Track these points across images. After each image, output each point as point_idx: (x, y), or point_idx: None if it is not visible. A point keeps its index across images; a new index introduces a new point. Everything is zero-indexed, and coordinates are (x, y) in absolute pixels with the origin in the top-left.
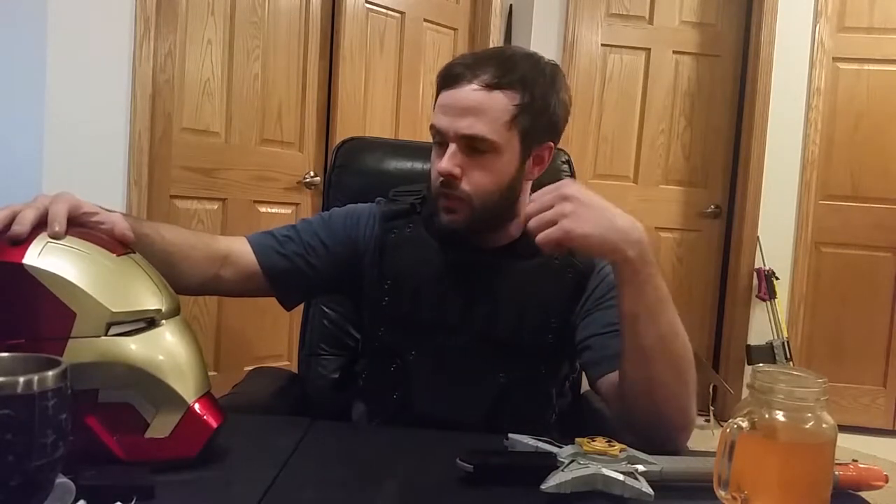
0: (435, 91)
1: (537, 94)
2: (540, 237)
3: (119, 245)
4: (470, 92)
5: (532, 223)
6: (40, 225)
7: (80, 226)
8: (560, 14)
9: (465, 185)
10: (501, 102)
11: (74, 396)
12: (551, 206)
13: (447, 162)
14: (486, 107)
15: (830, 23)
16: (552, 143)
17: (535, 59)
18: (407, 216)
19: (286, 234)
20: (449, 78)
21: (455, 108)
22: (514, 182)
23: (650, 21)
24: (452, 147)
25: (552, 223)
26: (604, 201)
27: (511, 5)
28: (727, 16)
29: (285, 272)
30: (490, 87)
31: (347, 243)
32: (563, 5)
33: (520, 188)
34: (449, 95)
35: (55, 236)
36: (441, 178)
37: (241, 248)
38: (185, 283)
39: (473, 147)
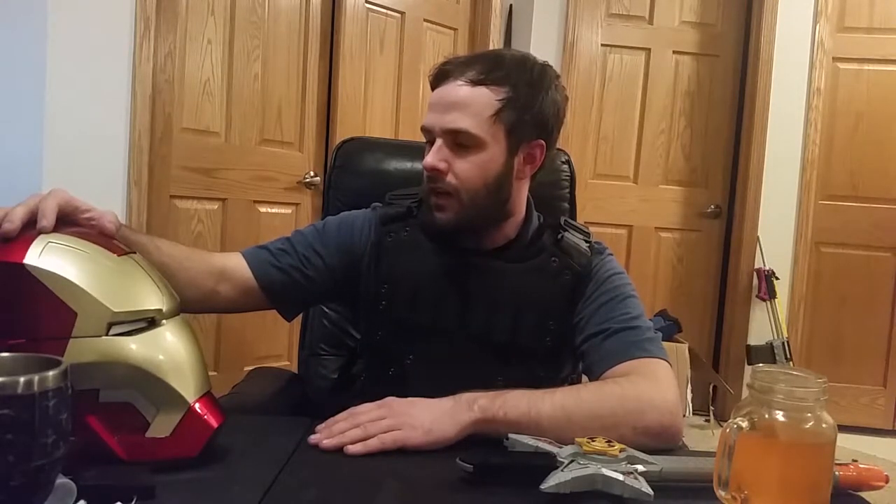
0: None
1: (521, 90)
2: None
3: (119, 245)
4: (456, 88)
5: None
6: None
7: (73, 224)
8: (560, 14)
9: (450, 179)
10: (485, 97)
11: (75, 396)
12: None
13: (432, 156)
14: (469, 101)
15: (830, 23)
16: (543, 142)
17: (523, 58)
18: (403, 219)
19: (281, 248)
20: (438, 76)
21: (441, 105)
22: (502, 178)
23: (650, 21)
24: (438, 142)
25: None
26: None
27: (511, 5)
28: (727, 16)
29: (282, 286)
30: (475, 82)
31: (343, 252)
32: (563, 5)
33: (509, 186)
34: (437, 93)
35: (42, 230)
36: (428, 174)
37: (236, 264)
38: (182, 298)
39: (458, 142)
